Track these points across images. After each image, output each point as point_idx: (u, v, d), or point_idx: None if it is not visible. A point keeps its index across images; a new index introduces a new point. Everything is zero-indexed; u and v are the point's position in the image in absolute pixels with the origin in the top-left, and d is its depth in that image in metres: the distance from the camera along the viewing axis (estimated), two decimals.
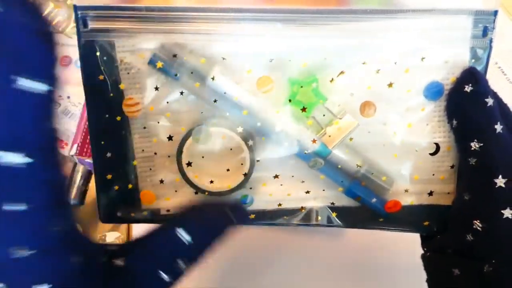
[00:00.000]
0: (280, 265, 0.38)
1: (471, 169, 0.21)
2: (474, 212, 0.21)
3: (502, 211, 0.20)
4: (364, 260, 0.37)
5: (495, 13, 0.21)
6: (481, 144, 0.20)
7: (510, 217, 0.20)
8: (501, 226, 0.20)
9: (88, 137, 0.28)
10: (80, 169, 0.39)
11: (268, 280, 0.37)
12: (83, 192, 0.40)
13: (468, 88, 0.21)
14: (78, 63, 0.26)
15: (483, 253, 0.21)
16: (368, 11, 0.21)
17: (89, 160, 0.37)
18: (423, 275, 0.24)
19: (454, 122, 0.22)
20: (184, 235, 0.19)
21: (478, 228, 0.20)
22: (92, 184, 0.40)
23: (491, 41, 0.22)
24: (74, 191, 0.39)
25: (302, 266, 0.37)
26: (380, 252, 0.37)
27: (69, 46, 0.41)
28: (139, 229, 0.38)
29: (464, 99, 0.21)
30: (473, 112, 0.21)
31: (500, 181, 0.20)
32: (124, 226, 0.39)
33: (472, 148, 0.20)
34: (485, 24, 0.21)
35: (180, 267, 0.19)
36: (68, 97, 0.38)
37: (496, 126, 0.20)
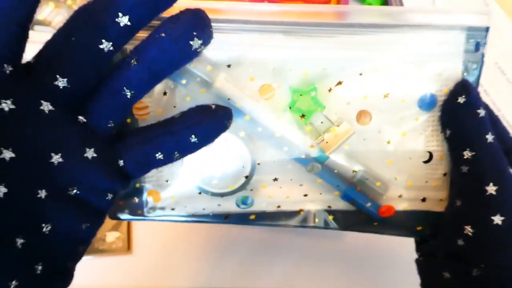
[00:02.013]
0: (280, 265, 0.37)
1: (463, 177, 0.21)
2: (465, 218, 0.21)
3: (492, 217, 0.20)
4: (364, 260, 0.37)
5: (487, 29, 0.21)
6: (473, 153, 0.20)
7: (500, 223, 0.19)
8: (491, 231, 0.20)
9: None
10: None
11: (268, 280, 0.37)
12: None
13: (461, 100, 0.21)
14: None
15: (473, 257, 0.20)
16: (366, 25, 0.21)
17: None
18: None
19: (448, 131, 0.21)
20: None
21: (469, 233, 0.20)
22: None
23: (483, 55, 0.22)
24: None
25: (302, 266, 0.37)
26: (380, 253, 0.37)
27: None
28: (139, 229, 0.38)
29: (457, 110, 0.21)
30: (465, 123, 0.21)
31: (491, 189, 0.20)
32: (124, 226, 0.38)
33: (465, 157, 0.20)
34: (477, 40, 0.21)
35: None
36: None
37: (487, 136, 0.20)
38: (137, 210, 0.25)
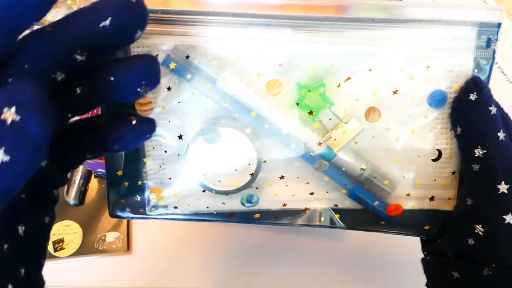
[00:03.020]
0: (280, 265, 0.37)
1: (474, 175, 0.20)
2: (476, 217, 0.20)
3: (504, 216, 0.19)
4: (364, 260, 0.36)
5: (499, 25, 0.21)
6: (485, 151, 0.20)
7: None
8: (503, 231, 0.19)
9: None
10: (80, 169, 0.39)
11: (268, 280, 0.36)
12: (83, 192, 0.39)
13: (472, 97, 0.20)
14: None
15: (483, 257, 0.20)
16: (376, 20, 0.21)
17: (89, 160, 0.36)
18: (423, 277, 0.23)
19: (458, 129, 0.21)
20: None
21: (480, 232, 0.20)
22: (92, 184, 0.39)
23: (494, 52, 0.21)
24: (74, 191, 0.38)
25: (302, 266, 0.36)
26: (380, 253, 0.36)
27: None
28: (139, 229, 0.37)
29: (469, 107, 0.20)
30: (477, 120, 0.20)
31: (503, 187, 0.19)
32: (124, 226, 0.38)
33: (476, 155, 0.20)
34: (488, 36, 0.21)
35: None
36: None
37: (499, 134, 0.20)
38: (139, 209, 0.24)
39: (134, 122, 0.18)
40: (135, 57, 0.17)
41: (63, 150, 0.18)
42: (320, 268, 0.36)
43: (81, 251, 0.37)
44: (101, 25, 0.14)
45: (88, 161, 0.36)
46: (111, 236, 0.37)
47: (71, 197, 0.38)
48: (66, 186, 0.38)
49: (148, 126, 0.19)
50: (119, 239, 0.37)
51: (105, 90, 0.16)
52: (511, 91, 0.38)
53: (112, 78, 0.16)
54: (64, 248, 0.37)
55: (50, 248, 0.37)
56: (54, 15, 0.43)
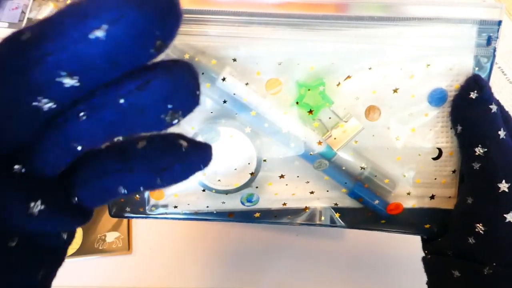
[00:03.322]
0: (280, 265, 0.36)
1: (475, 174, 0.20)
2: (476, 215, 0.20)
3: (504, 215, 0.19)
4: (364, 260, 0.36)
5: (499, 23, 0.20)
6: (485, 150, 0.19)
7: None
8: (503, 229, 0.19)
9: None
10: None
11: (268, 280, 0.36)
12: None
13: (473, 95, 0.20)
14: None
15: (484, 255, 0.20)
16: (375, 18, 0.20)
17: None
18: (424, 277, 0.23)
19: (459, 127, 0.21)
20: None
21: (480, 231, 0.20)
22: None
23: (494, 50, 0.21)
24: None
25: (302, 266, 0.36)
26: (380, 253, 0.36)
27: None
28: (139, 229, 0.37)
29: (469, 106, 0.20)
30: (477, 118, 0.20)
31: (504, 186, 0.19)
32: (124, 226, 0.37)
33: (476, 153, 0.20)
34: (489, 34, 0.21)
35: None
36: None
37: (499, 132, 0.19)
38: (139, 208, 0.24)
39: (184, 146, 0.13)
40: (156, 65, 0.11)
41: (84, 186, 0.13)
42: (320, 268, 0.36)
43: (81, 251, 0.37)
44: (91, 35, 0.10)
45: None
46: (111, 236, 0.37)
47: None
48: None
49: (204, 153, 0.14)
50: (119, 239, 0.37)
51: (115, 117, 0.11)
52: (511, 91, 0.38)
53: (121, 101, 0.11)
54: None
55: None
56: None
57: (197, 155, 0.14)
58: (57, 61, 0.10)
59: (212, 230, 0.37)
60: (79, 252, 0.37)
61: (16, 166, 0.12)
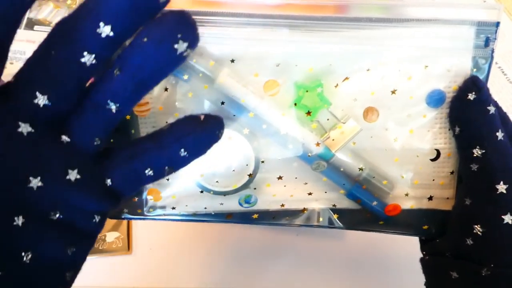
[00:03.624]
0: (280, 265, 0.36)
1: (473, 175, 0.20)
2: (474, 216, 0.20)
3: (502, 216, 0.19)
4: (364, 260, 0.36)
5: (497, 24, 0.20)
6: (483, 151, 0.19)
7: (510, 223, 0.19)
8: (501, 231, 0.19)
9: None
10: None
11: (268, 280, 0.36)
12: None
13: (471, 96, 0.20)
14: None
15: (482, 257, 0.20)
16: (373, 19, 0.20)
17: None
18: (422, 278, 0.23)
19: (457, 129, 0.21)
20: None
21: (478, 232, 0.19)
22: None
23: (492, 51, 0.21)
24: None
25: (302, 266, 0.36)
26: (380, 253, 0.36)
27: None
28: (139, 229, 0.37)
29: (467, 107, 0.20)
30: (475, 120, 0.20)
31: (501, 187, 0.19)
32: (124, 226, 0.37)
33: (474, 155, 0.20)
34: (487, 35, 0.20)
35: None
36: None
37: (497, 134, 0.19)
38: (137, 209, 0.24)
39: (201, 117, 0.16)
40: (164, 13, 0.14)
41: (117, 168, 0.16)
42: (320, 268, 0.36)
43: None
44: (98, 31, 0.14)
45: None
46: (111, 236, 0.37)
47: None
48: None
49: (218, 122, 0.17)
50: (119, 239, 0.37)
51: (140, 59, 0.14)
52: (511, 91, 0.37)
53: (145, 39, 0.14)
54: None
55: None
56: (54, 15, 0.43)
57: (214, 123, 0.17)
58: (96, 13, 0.13)
59: (212, 230, 0.37)
60: None
61: (63, 137, 0.15)
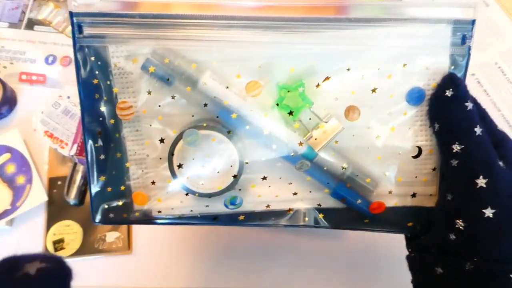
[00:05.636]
0: (280, 265, 0.36)
1: (453, 171, 0.20)
2: (456, 211, 0.20)
3: (483, 210, 0.19)
4: (363, 260, 0.36)
5: (473, 22, 0.21)
6: (462, 146, 0.19)
7: (491, 216, 0.19)
8: (482, 225, 0.19)
9: None
10: (80, 169, 0.38)
11: (268, 280, 0.36)
12: (83, 192, 0.38)
13: (448, 93, 0.20)
14: None
15: (465, 251, 0.20)
16: (352, 19, 0.20)
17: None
18: None
19: (436, 125, 0.21)
20: None
21: (461, 227, 0.19)
22: None
23: (469, 48, 0.21)
24: (74, 191, 0.37)
25: (302, 266, 0.36)
26: (380, 253, 0.36)
27: (69, 46, 0.40)
28: (139, 229, 0.37)
29: (445, 104, 0.20)
30: (454, 116, 0.20)
31: (481, 182, 0.19)
32: (124, 226, 0.37)
33: (454, 150, 0.20)
34: (463, 33, 0.21)
35: None
36: (68, 97, 0.37)
37: (476, 129, 0.19)
38: (123, 214, 0.23)
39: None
40: None
41: None
42: (320, 268, 0.36)
43: (81, 251, 0.36)
44: None
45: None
46: (111, 236, 0.37)
47: (71, 197, 0.37)
48: (66, 186, 0.38)
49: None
50: (119, 239, 0.37)
51: None
52: (511, 91, 0.37)
53: None
54: (64, 248, 0.37)
55: (50, 248, 0.37)
56: (54, 15, 0.42)
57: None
58: None
59: (212, 231, 0.37)
60: (79, 252, 0.36)
61: None
